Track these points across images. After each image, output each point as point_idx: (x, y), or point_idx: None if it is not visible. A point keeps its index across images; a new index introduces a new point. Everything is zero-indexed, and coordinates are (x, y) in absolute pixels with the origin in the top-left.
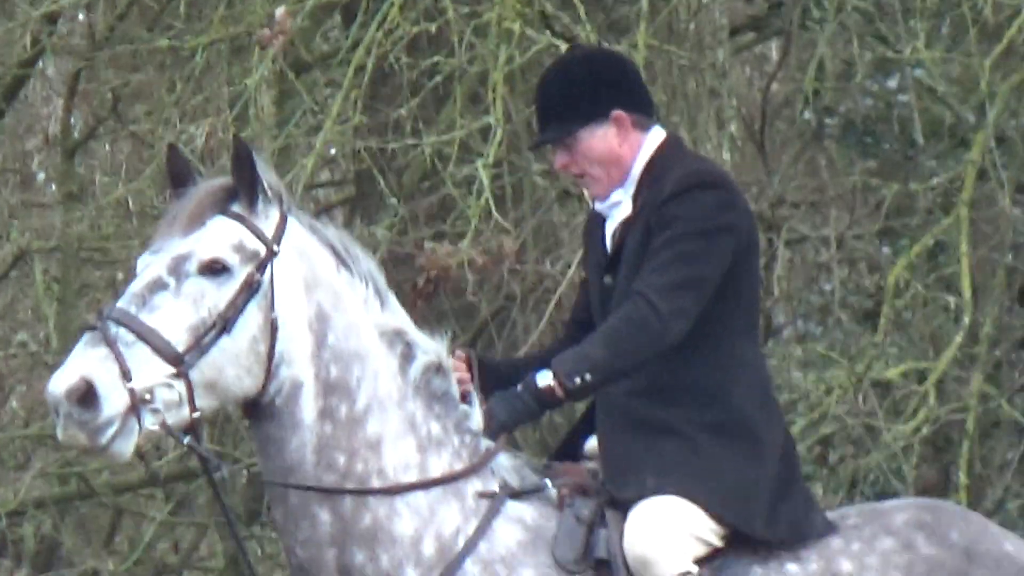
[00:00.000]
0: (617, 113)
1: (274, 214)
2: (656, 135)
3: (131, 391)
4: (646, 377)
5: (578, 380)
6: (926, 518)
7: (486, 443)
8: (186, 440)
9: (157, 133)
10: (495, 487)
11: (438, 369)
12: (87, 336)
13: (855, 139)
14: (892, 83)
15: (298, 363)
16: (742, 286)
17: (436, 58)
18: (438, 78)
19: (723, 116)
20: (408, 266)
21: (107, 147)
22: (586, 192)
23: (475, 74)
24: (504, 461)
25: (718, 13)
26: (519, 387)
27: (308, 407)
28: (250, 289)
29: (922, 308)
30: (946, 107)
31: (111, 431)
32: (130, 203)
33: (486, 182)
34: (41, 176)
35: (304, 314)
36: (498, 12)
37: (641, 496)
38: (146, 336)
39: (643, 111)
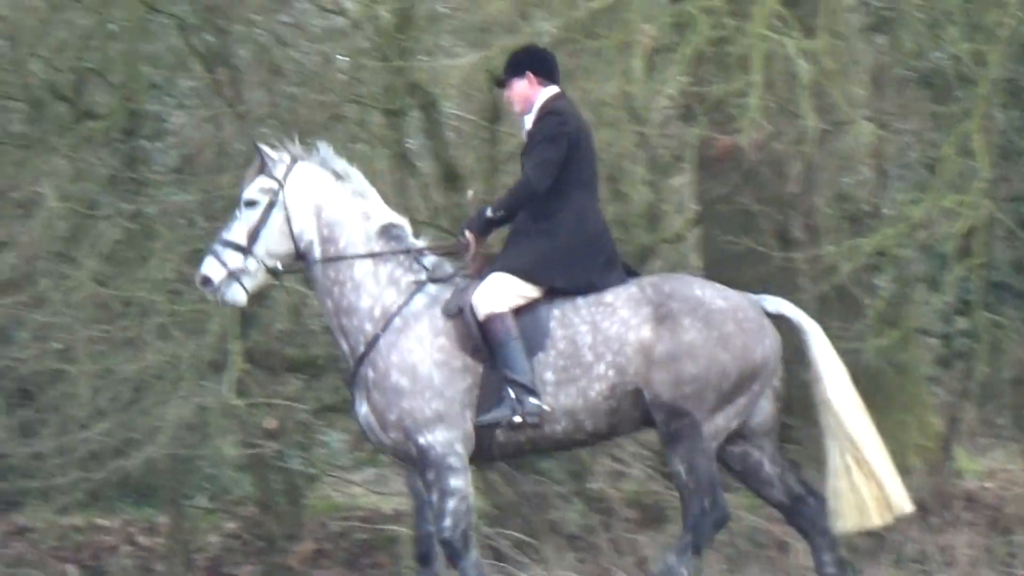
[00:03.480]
0: (527, 74)
1: (284, 165)
2: (550, 89)
3: (227, 271)
4: (532, 208)
5: (499, 212)
6: (660, 279)
7: (426, 260)
8: (277, 271)
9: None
10: (423, 277)
11: (392, 225)
12: (205, 256)
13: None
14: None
15: (308, 232)
16: (578, 164)
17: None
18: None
19: None
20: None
21: None
22: (511, 110)
23: (740, 54)
24: (432, 261)
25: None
26: (478, 213)
27: (317, 250)
28: (271, 206)
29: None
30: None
31: (223, 293)
32: None
33: (754, 105)
34: None
35: (309, 208)
36: (757, 27)
37: (489, 273)
38: (227, 242)
39: (545, 76)
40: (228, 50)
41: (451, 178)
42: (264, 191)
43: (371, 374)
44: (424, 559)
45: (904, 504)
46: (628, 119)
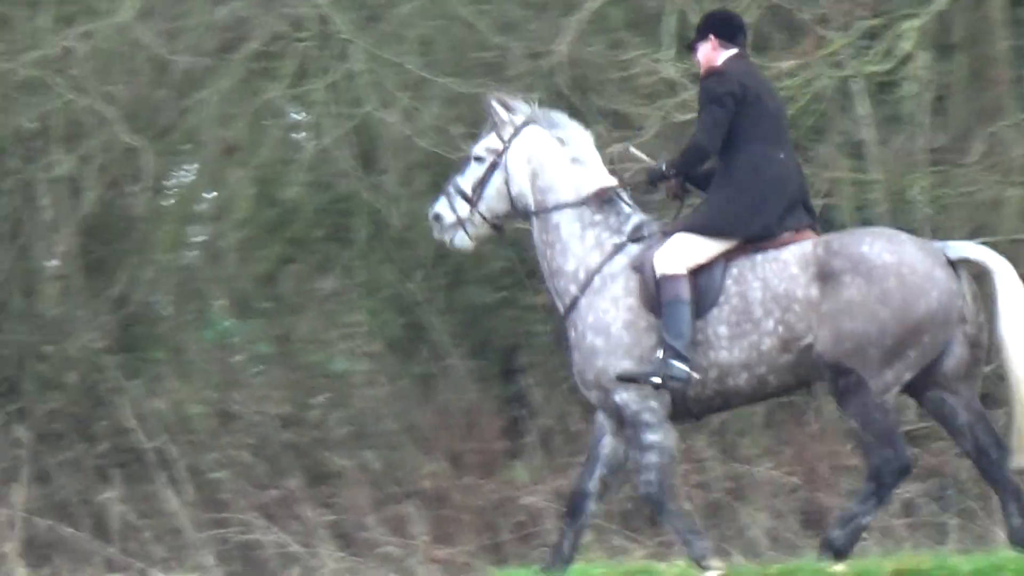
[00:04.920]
0: (710, 37)
1: (512, 127)
2: (729, 52)
3: (456, 217)
4: (717, 169)
5: (671, 171)
6: (837, 236)
7: (633, 221)
8: (498, 227)
9: None
10: (624, 239)
11: (605, 190)
12: (441, 194)
13: None
14: None
15: (525, 195)
16: (750, 119)
17: None
18: None
19: None
20: None
21: None
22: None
23: None
24: (636, 223)
25: None
26: (654, 166)
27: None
28: (494, 166)
29: None
30: None
31: (452, 238)
32: None
33: None
34: None
35: (526, 173)
36: None
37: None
38: (459, 189)
39: (728, 39)
40: None
41: None
42: (490, 151)
43: (572, 335)
44: (573, 513)
45: None
46: None
